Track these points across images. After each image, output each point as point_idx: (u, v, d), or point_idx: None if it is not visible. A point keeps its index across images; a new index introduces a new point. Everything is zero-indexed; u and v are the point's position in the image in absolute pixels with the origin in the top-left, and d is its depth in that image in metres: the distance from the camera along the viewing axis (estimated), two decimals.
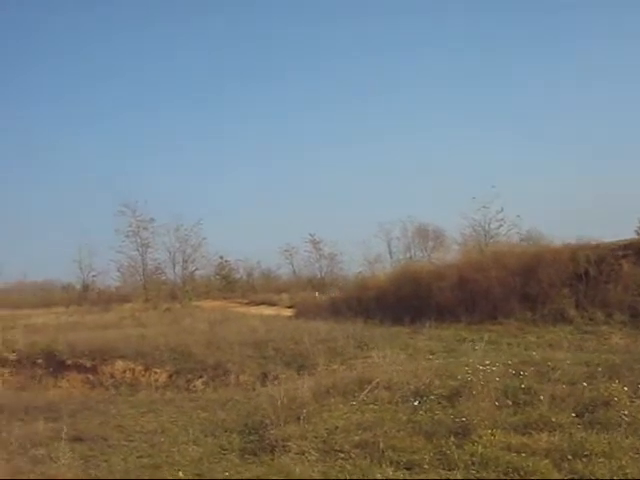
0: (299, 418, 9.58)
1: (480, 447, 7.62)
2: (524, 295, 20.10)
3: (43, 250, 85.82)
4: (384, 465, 7.53)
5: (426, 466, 7.44)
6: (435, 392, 10.31)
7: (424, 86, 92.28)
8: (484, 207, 48.42)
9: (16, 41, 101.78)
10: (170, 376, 18.61)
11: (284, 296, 47.82)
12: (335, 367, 15.87)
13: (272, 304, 43.73)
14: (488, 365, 10.82)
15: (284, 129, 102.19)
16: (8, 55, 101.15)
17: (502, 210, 47.86)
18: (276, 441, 8.91)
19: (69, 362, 20.30)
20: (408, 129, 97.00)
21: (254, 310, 38.63)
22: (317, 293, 47.55)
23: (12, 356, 21.22)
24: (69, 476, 8.15)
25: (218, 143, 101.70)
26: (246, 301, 48.85)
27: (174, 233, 53.75)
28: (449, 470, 7.26)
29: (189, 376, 18.24)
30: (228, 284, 60.79)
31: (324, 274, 61.50)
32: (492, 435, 7.98)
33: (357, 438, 8.59)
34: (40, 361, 20.80)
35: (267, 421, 9.72)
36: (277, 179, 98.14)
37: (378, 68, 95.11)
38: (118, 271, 57.24)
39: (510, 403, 9.48)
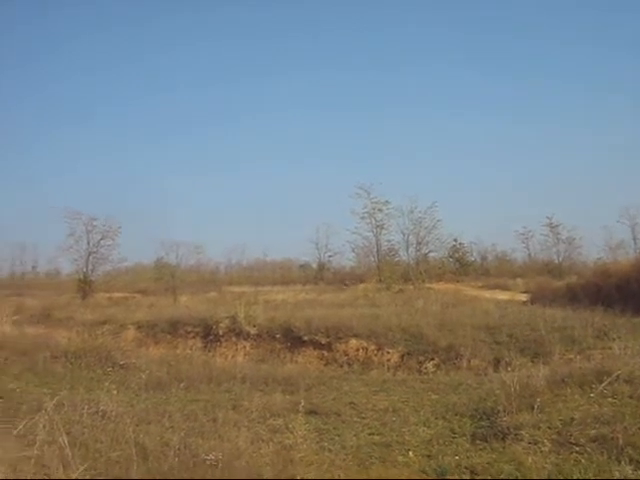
0: (532, 407, 9.38)
1: None
2: None
3: (283, 231, 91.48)
4: (623, 462, 7.18)
5: None
6: None
7: None
8: None
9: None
10: (402, 357, 18.98)
11: (519, 281, 46.84)
12: (571, 356, 15.32)
13: (506, 288, 43.04)
14: None
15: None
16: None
17: None
18: (508, 429, 8.84)
19: (305, 338, 21.44)
20: None
21: (487, 294, 38.19)
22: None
23: (253, 330, 22.82)
24: (303, 447, 8.65)
25: (452, 131, 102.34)
26: (479, 284, 48.45)
27: (408, 215, 54.41)
28: None
29: (420, 358, 18.48)
30: (461, 267, 60.70)
31: (561, 259, 59.48)
32: None
33: (594, 432, 8.23)
34: (278, 336, 22.22)
35: (499, 407, 9.65)
36: (512, 162, 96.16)
37: None
38: (353, 252, 59.52)
39: None
